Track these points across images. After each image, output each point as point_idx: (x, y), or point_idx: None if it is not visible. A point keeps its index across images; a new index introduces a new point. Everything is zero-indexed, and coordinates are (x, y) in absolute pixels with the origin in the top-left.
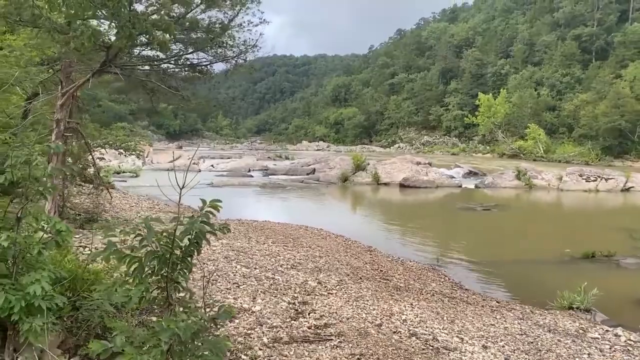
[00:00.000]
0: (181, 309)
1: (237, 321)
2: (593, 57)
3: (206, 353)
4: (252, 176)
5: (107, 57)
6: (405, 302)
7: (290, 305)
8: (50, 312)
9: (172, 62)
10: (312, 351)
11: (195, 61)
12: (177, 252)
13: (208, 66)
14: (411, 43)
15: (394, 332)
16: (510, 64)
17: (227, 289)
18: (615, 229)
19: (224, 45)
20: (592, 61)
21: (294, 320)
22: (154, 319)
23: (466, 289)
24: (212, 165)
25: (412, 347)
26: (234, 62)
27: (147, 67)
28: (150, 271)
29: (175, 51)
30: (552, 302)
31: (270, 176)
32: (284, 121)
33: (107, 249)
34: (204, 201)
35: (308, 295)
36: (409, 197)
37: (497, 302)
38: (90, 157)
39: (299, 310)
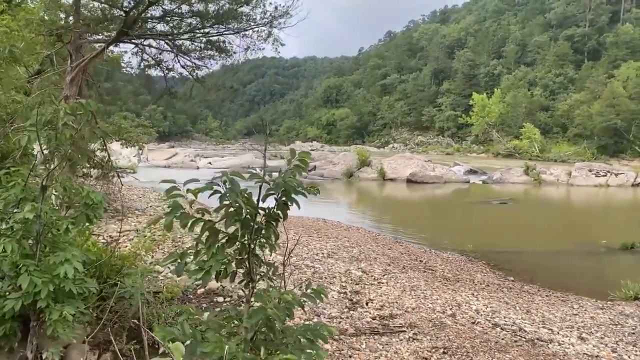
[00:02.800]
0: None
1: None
2: (585, 57)
3: (304, 341)
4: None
5: (125, 25)
6: (465, 293)
7: (342, 295)
8: (81, 298)
9: (188, 37)
10: (386, 344)
11: (213, 39)
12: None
13: (227, 43)
14: (402, 44)
15: (473, 323)
16: (503, 65)
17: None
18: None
19: (247, 17)
20: (584, 61)
21: (352, 310)
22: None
23: (512, 280)
24: (209, 163)
25: (502, 339)
26: (256, 36)
27: (162, 42)
28: (224, 240)
29: (194, 24)
30: (612, 292)
31: (272, 173)
32: (275, 123)
33: (172, 212)
34: (292, 151)
35: (357, 284)
36: (419, 192)
37: (559, 292)
38: (102, 140)
39: (354, 300)
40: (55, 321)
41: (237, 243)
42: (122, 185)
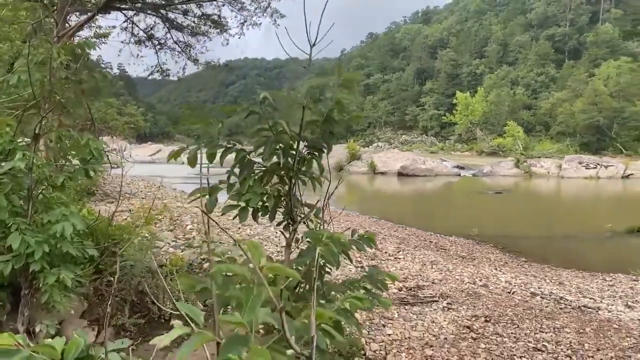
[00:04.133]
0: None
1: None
2: (566, 56)
3: (368, 287)
4: None
5: None
6: (487, 268)
7: (360, 269)
8: (77, 265)
9: (182, 10)
10: (420, 313)
11: (208, 11)
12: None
13: (223, 18)
14: (385, 44)
15: (509, 293)
16: (485, 64)
17: (278, 250)
18: (637, 210)
19: None
20: (565, 60)
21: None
22: None
23: (525, 260)
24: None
25: (546, 307)
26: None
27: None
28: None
29: None
30: (633, 270)
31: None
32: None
33: (199, 139)
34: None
35: (372, 260)
36: (411, 185)
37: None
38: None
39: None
40: (51, 286)
41: (276, 178)
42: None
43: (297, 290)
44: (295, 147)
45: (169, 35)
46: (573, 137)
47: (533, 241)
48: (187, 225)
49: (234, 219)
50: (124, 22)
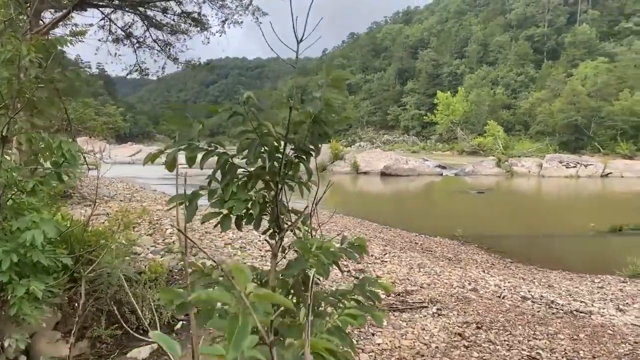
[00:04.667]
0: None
1: None
2: (545, 56)
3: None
4: None
5: None
6: (475, 270)
7: (346, 274)
8: (50, 274)
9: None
10: (410, 320)
11: (188, 9)
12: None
13: (203, 16)
14: (367, 44)
15: (500, 297)
16: (466, 64)
17: (262, 255)
18: (619, 208)
19: None
20: (544, 61)
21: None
22: None
23: (511, 261)
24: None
25: (538, 312)
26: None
27: (131, 11)
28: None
29: None
30: (618, 271)
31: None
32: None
33: (177, 142)
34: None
35: (358, 263)
36: (394, 184)
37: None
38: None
39: (360, 277)
40: (20, 299)
41: (261, 183)
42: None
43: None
44: (281, 150)
45: (148, 34)
46: (552, 136)
47: (517, 241)
48: (166, 229)
49: (215, 227)
50: (101, 19)
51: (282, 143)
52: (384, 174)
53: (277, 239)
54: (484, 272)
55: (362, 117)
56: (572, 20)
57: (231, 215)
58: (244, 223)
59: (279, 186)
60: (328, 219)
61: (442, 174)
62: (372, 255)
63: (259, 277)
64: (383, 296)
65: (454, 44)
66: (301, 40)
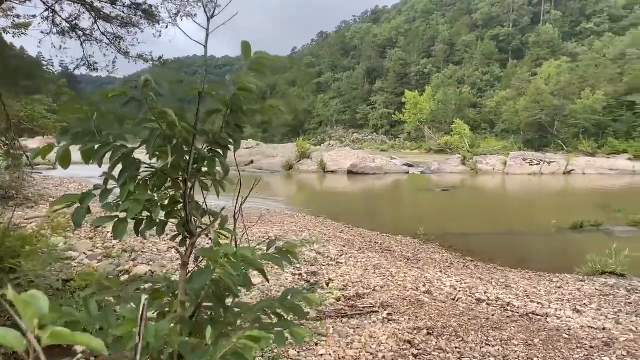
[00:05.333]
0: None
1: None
2: (510, 56)
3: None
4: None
5: None
6: (432, 270)
7: (297, 277)
8: None
9: None
10: (358, 327)
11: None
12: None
13: (154, 8)
14: (336, 43)
15: (454, 299)
16: (433, 64)
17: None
18: (580, 205)
19: None
20: (509, 60)
21: (311, 292)
22: None
23: (472, 260)
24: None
25: (492, 315)
26: None
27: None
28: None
29: None
30: (578, 268)
31: None
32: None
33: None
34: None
35: (312, 266)
36: (360, 183)
37: (528, 270)
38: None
39: (311, 281)
40: None
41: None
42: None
43: (195, 318)
44: (191, 142)
45: (96, 26)
46: (517, 134)
47: (479, 239)
48: (108, 232)
49: (116, 237)
50: (44, 10)
51: (191, 135)
52: (350, 173)
53: (187, 245)
54: (441, 272)
55: (332, 115)
56: (535, 21)
57: (127, 220)
58: (146, 229)
59: (188, 185)
60: (283, 216)
61: (408, 172)
62: (327, 257)
63: (171, 290)
64: (333, 300)
65: (422, 44)
66: (212, 17)
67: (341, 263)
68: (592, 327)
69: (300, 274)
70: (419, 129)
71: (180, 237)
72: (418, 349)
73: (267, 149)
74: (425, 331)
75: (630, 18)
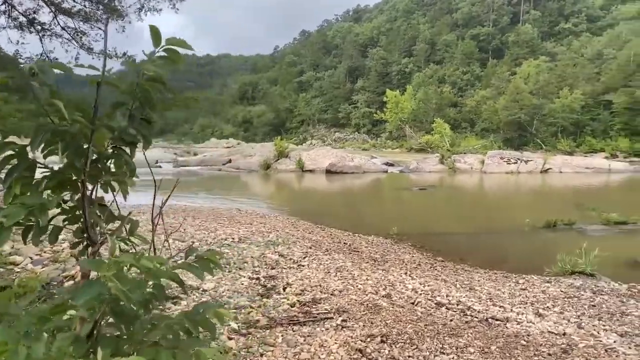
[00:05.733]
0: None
1: (184, 302)
2: (490, 55)
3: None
4: (160, 167)
5: None
6: (397, 272)
7: (254, 281)
8: None
9: None
10: (309, 335)
11: None
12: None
13: (117, 2)
14: (317, 42)
15: (413, 304)
16: (414, 63)
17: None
18: (555, 203)
19: None
20: (489, 59)
21: (266, 297)
22: None
23: (442, 260)
24: None
25: (450, 320)
26: None
27: None
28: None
29: None
30: (548, 268)
31: (182, 167)
32: (188, 121)
33: None
34: None
35: (272, 269)
36: (338, 182)
37: (497, 270)
38: None
39: (268, 286)
40: None
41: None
42: None
43: (93, 336)
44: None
45: (56, 21)
46: (497, 133)
47: (452, 238)
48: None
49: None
50: (1, 4)
51: (89, 131)
52: (329, 172)
53: (88, 254)
54: (406, 274)
55: (314, 114)
56: (515, 20)
57: (11, 227)
58: (34, 236)
59: (87, 186)
60: (253, 217)
61: (387, 171)
62: (290, 259)
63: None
64: (287, 306)
65: (403, 43)
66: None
67: (303, 266)
68: (552, 332)
69: (257, 278)
70: (400, 128)
71: (80, 244)
72: (369, 358)
73: (246, 148)
74: (379, 338)
75: (607, 18)
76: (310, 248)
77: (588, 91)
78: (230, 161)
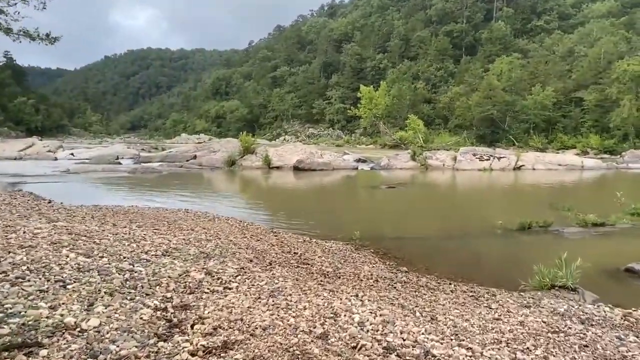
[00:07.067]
0: None
1: (44, 351)
2: (463, 52)
3: None
4: (120, 163)
5: None
6: (347, 293)
7: (159, 313)
8: None
9: None
10: None
11: None
12: None
13: None
14: (292, 37)
15: (354, 348)
16: (388, 59)
17: (41, 290)
18: (529, 202)
19: None
20: (462, 56)
21: (164, 340)
22: None
23: (406, 271)
24: (71, 154)
25: None
26: None
27: None
28: None
29: None
30: (524, 281)
31: (143, 164)
32: (161, 117)
33: None
34: None
35: (191, 293)
36: (305, 180)
37: (465, 285)
38: None
39: (175, 320)
40: None
41: None
42: None
43: None
44: None
45: None
46: (470, 129)
47: (418, 243)
48: None
49: None
50: None
51: None
52: (297, 169)
53: None
54: (357, 296)
55: (287, 110)
56: (488, 17)
57: None
58: None
59: None
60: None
61: (357, 168)
62: (218, 279)
63: None
64: (187, 355)
65: (377, 39)
66: None
67: (230, 289)
68: None
69: (165, 309)
70: (375, 124)
71: None
72: None
73: (214, 144)
74: None
75: (579, 16)
76: (251, 261)
77: (560, 88)
78: (195, 157)
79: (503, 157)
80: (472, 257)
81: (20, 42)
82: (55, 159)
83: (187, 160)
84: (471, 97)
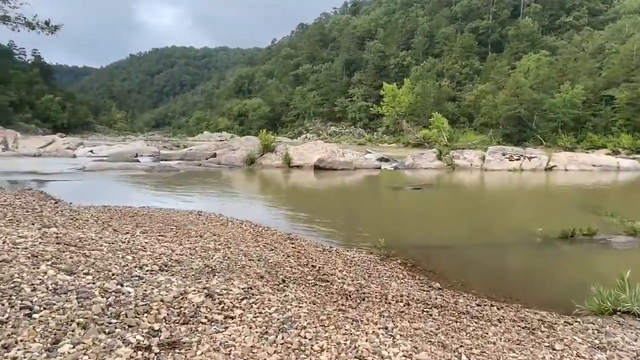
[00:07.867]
0: None
1: None
2: (489, 49)
3: None
4: (139, 161)
5: None
6: (373, 324)
7: (140, 354)
8: None
9: None
10: None
11: None
12: None
13: None
14: (315, 34)
15: None
16: (412, 56)
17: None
18: (567, 206)
19: None
20: (488, 53)
21: None
22: None
23: (439, 288)
24: (91, 151)
25: None
26: None
27: None
28: None
29: None
30: (575, 300)
31: (161, 161)
32: (185, 114)
33: None
34: None
35: (184, 324)
36: (326, 180)
37: (512, 309)
38: None
39: None
40: None
41: None
42: None
43: None
44: None
45: None
46: (496, 128)
47: (451, 253)
48: None
49: None
50: None
51: None
52: (317, 168)
53: None
54: (385, 330)
55: (309, 108)
56: (515, 14)
57: None
58: None
59: None
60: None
61: (380, 168)
62: (220, 302)
63: None
64: None
65: (401, 36)
66: None
67: (233, 318)
68: None
69: (148, 347)
70: (398, 122)
71: None
72: None
73: (234, 142)
74: None
75: (609, 12)
76: (261, 278)
77: (589, 86)
78: (214, 155)
79: (534, 157)
80: (512, 269)
81: (18, 30)
82: (74, 156)
83: (206, 159)
84: (497, 95)
